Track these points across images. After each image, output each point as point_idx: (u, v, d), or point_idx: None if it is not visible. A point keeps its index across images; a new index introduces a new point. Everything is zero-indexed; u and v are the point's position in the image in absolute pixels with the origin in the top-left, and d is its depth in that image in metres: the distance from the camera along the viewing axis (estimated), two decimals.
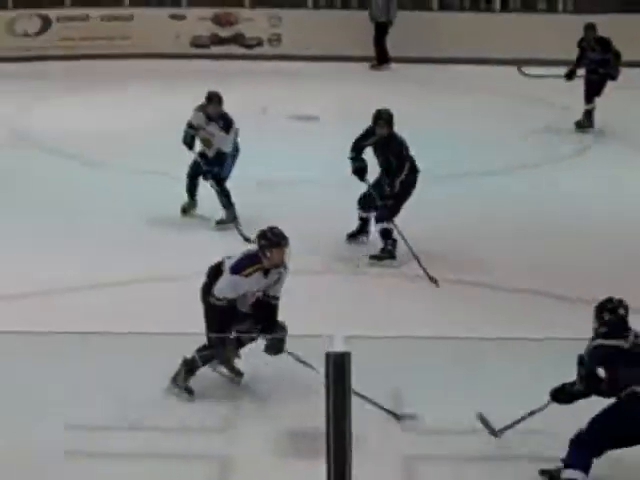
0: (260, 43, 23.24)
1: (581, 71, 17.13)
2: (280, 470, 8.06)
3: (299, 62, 21.74)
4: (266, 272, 9.10)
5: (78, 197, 13.75)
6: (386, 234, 12.25)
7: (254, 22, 23.29)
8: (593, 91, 16.99)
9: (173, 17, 23.29)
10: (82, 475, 7.89)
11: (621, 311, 7.96)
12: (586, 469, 7.65)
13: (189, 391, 9.15)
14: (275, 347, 9.09)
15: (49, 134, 15.61)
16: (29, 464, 7.88)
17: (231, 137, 12.97)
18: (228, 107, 13.20)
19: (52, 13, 23.03)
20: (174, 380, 9.17)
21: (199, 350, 9.12)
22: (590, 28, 17.23)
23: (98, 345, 8.96)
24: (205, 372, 9.24)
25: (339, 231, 12.65)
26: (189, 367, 9.17)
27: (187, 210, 13.31)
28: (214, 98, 13.07)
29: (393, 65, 22.10)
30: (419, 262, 11.57)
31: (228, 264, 9.08)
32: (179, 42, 23.08)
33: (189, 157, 13.16)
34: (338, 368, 5.66)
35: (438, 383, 8.88)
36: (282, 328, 9.18)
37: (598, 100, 17.06)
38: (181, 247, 12.12)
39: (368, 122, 12.17)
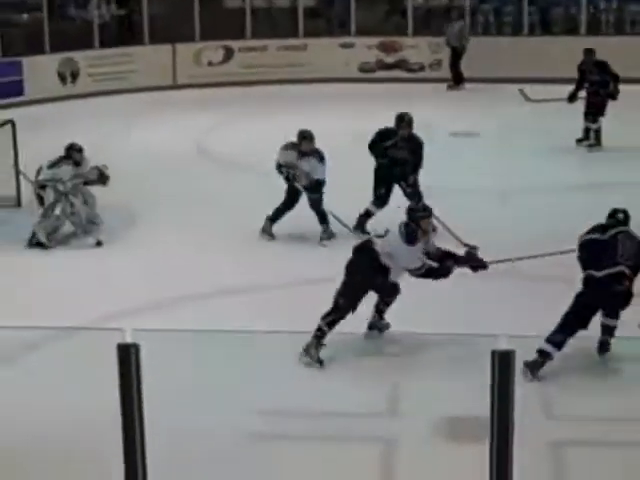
0: (422, 68, 22.89)
1: (582, 93, 16.63)
2: (441, 453, 7.87)
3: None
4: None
5: (253, 204, 13.59)
6: None
7: (416, 49, 22.96)
8: (597, 111, 16.42)
9: (343, 46, 23.09)
10: (265, 455, 7.82)
11: (619, 215, 9.17)
12: (559, 346, 8.83)
13: (320, 362, 9.17)
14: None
15: (229, 150, 15.42)
16: (220, 445, 7.82)
17: (325, 167, 12.63)
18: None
19: (234, 44, 23.11)
20: (306, 351, 9.19)
21: (324, 317, 9.21)
22: (589, 52, 16.87)
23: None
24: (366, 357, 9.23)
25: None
26: (318, 336, 9.18)
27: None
28: (307, 136, 12.72)
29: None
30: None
31: (392, 240, 9.31)
32: (348, 68, 22.88)
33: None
34: (503, 365, 5.29)
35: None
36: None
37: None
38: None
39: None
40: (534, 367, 8.81)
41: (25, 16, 22.76)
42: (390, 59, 22.97)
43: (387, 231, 9.71)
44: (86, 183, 13.34)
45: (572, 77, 16.99)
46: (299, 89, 21.76)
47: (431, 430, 8.20)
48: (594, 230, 9.19)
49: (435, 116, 17.64)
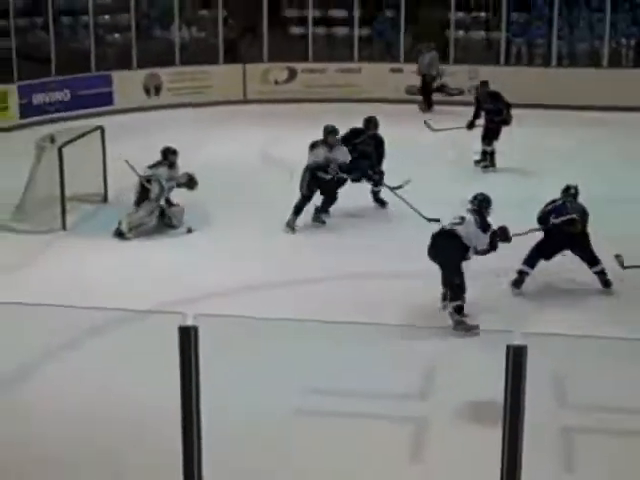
0: (461, 92, 22.62)
1: (480, 121, 16.70)
2: (465, 433, 7.94)
3: None
4: None
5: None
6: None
7: (456, 76, 22.70)
8: (492, 136, 16.50)
9: (392, 70, 22.96)
10: (308, 429, 7.90)
11: (571, 190, 11.20)
12: (532, 266, 11.00)
13: (474, 327, 9.78)
14: None
15: (290, 158, 15.38)
16: (268, 420, 7.90)
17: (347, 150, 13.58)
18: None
19: (298, 66, 23.09)
20: (456, 327, 9.86)
21: (452, 304, 9.95)
22: (484, 84, 17.09)
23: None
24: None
25: None
26: (460, 314, 9.88)
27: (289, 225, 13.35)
28: (332, 130, 13.53)
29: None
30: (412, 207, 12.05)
31: (470, 225, 10.05)
32: (396, 90, 22.71)
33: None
34: (516, 359, 5.38)
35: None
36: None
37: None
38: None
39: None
40: (517, 283, 11.00)
41: (116, 36, 22.93)
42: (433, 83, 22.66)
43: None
44: (177, 185, 13.49)
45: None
46: (353, 107, 21.68)
47: (456, 412, 8.28)
48: (550, 202, 11.18)
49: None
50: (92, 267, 11.99)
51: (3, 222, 13.57)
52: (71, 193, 13.65)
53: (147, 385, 8.28)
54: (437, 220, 10.53)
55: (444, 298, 10.17)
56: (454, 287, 9.94)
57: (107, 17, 23.11)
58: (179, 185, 13.41)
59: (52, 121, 19.49)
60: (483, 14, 24.39)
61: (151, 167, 13.38)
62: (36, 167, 13.69)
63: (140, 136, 17.76)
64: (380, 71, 22.91)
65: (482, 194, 10.46)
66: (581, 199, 11.22)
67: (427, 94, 22.07)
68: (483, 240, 10.12)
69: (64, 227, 13.38)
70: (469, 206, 10.28)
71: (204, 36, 23.55)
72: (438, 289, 10.23)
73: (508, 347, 5.50)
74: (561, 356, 8.77)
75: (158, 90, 21.35)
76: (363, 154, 13.98)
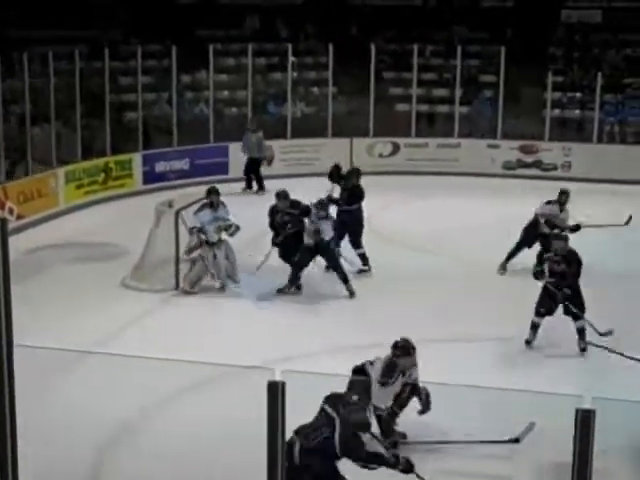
0: (555, 168, 22.64)
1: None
2: None
3: (584, 183, 20.74)
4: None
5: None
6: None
7: (551, 152, 22.79)
8: None
9: (490, 146, 23.03)
10: None
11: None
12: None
13: None
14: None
15: (394, 227, 15.42)
16: None
17: None
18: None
19: (401, 141, 23.25)
20: None
21: None
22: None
23: None
24: None
25: None
26: None
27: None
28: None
29: None
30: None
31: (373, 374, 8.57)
32: (494, 165, 22.82)
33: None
34: (585, 424, 5.27)
35: None
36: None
37: None
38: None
39: None
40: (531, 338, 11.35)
41: (234, 110, 23.41)
42: (529, 159, 22.85)
43: None
44: (225, 229, 13.56)
45: None
46: (453, 180, 21.81)
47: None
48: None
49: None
50: (200, 324, 12.22)
51: (123, 280, 13.91)
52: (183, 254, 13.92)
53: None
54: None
55: None
56: None
57: (226, 93, 23.68)
58: (226, 229, 13.48)
59: (172, 188, 19.94)
60: (578, 94, 24.35)
61: (196, 212, 13.54)
62: (154, 230, 14.01)
63: (254, 203, 18.03)
64: (478, 146, 23.01)
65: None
66: None
67: (258, 175, 20.79)
68: None
69: (177, 286, 13.65)
70: None
71: (315, 111, 23.89)
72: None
73: (577, 411, 5.46)
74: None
75: (271, 161, 21.69)
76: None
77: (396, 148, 23.15)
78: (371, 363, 8.69)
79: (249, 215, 14.52)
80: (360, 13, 25.61)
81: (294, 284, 13.42)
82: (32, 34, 20.96)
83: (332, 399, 7.32)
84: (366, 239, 15.06)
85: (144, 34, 22.62)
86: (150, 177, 20.93)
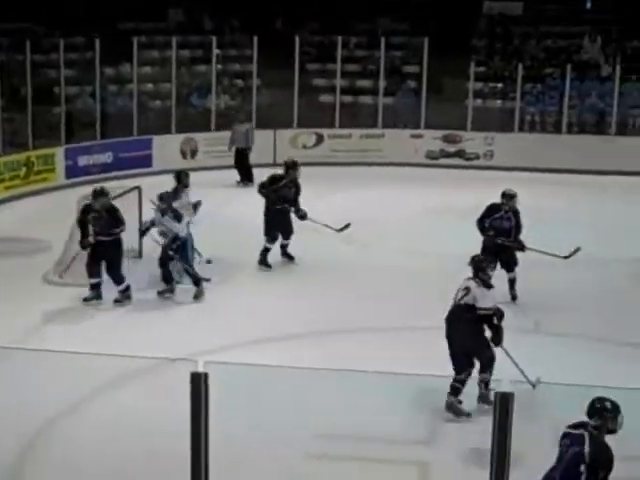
0: (477, 157, 22.90)
1: None
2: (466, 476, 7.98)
3: (506, 172, 20.98)
4: None
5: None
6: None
7: (473, 141, 23.02)
8: None
9: (413, 136, 23.17)
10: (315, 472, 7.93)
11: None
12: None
13: (466, 414, 9.31)
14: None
15: (321, 219, 15.35)
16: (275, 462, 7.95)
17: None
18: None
19: (325, 132, 23.27)
20: (449, 409, 9.34)
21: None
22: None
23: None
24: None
25: None
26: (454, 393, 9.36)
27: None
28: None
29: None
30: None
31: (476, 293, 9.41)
32: (417, 155, 22.95)
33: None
34: (503, 405, 5.41)
35: None
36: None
37: None
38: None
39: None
40: None
41: (157, 102, 23.25)
42: (451, 149, 23.06)
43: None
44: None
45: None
46: (377, 170, 21.91)
47: (458, 455, 8.35)
48: None
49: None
50: (125, 320, 12.13)
51: (45, 276, 13.75)
52: None
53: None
54: None
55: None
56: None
57: (150, 85, 23.51)
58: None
59: (95, 182, 19.71)
60: (500, 85, 24.61)
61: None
62: (77, 224, 13.84)
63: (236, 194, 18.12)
64: (401, 137, 23.15)
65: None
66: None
67: (248, 167, 20.70)
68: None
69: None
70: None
71: (238, 104, 23.82)
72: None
73: (496, 394, 5.54)
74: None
75: (194, 153, 21.53)
76: (284, 199, 14.13)
77: (320, 139, 23.15)
78: None
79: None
80: (285, 6, 25.56)
81: (170, 285, 13.08)
82: None
83: None
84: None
85: (67, 27, 22.32)
86: (73, 171, 20.66)
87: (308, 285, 13.56)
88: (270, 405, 8.82)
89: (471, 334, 9.33)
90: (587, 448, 6.29)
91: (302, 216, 14.21)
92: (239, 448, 7.84)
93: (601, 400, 6.48)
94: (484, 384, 9.39)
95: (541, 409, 8.88)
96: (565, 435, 6.53)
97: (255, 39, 22.59)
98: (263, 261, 14.16)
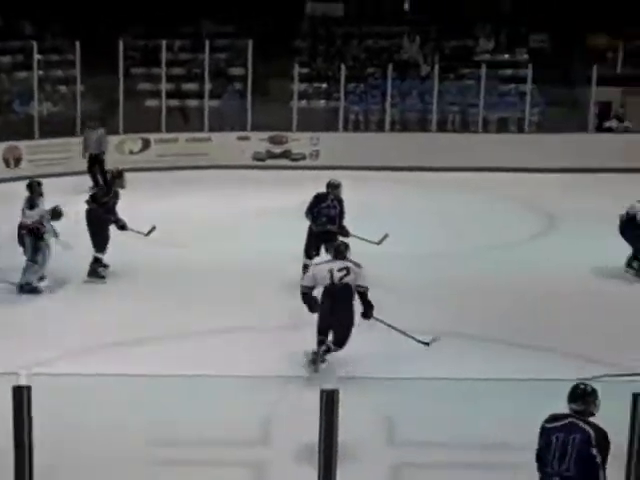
0: (303, 157, 23.15)
1: None
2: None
3: (333, 171, 21.24)
4: None
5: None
6: None
7: (299, 142, 23.24)
8: None
9: (240, 138, 23.21)
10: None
11: None
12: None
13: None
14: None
15: (144, 222, 15.25)
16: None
17: None
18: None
19: (151, 136, 23.04)
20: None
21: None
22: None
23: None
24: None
25: None
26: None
27: None
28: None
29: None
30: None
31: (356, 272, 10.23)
32: (244, 156, 23.01)
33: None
34: (329, 403, 5.57)
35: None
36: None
37: None
38: None
39: None
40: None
41: None
42: (277, 150, 23.21)
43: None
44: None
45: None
46: (204, 173, 21.87)
47: (292, 454, 8.36)
48: None
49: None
50: None
51: None
52: None
53: None
54: None
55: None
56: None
57: None
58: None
59: None
60: (324, 85, 24.95)
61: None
62: None
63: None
64: (228, 139, 23.14)
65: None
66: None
67: (103, 174, 19.25)
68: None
69: None
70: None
71: (63, 110, 23.40)
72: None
73: (322, 391, 5.65)
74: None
75: (18, 162, 21.09)
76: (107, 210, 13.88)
77: (146, 144, 22.93)
78: None
79: None
80: (107, 10, 25.22)
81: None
82: None
83: None
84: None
85: None
86: None
87: (138, 291, 13.44)
88: (103, 414, 8.72)
89: (348, 312, 10.16)
90: (591, 432, 6.24)
91: (122, 226, 14.05)
92: (73, 460, 7.74)
93: (582, 385, 6.49)
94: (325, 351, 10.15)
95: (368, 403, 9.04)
96: (550, 430, 6.38)
97: (77, 44, 22.24)
98: (94, 272, 13.91)
